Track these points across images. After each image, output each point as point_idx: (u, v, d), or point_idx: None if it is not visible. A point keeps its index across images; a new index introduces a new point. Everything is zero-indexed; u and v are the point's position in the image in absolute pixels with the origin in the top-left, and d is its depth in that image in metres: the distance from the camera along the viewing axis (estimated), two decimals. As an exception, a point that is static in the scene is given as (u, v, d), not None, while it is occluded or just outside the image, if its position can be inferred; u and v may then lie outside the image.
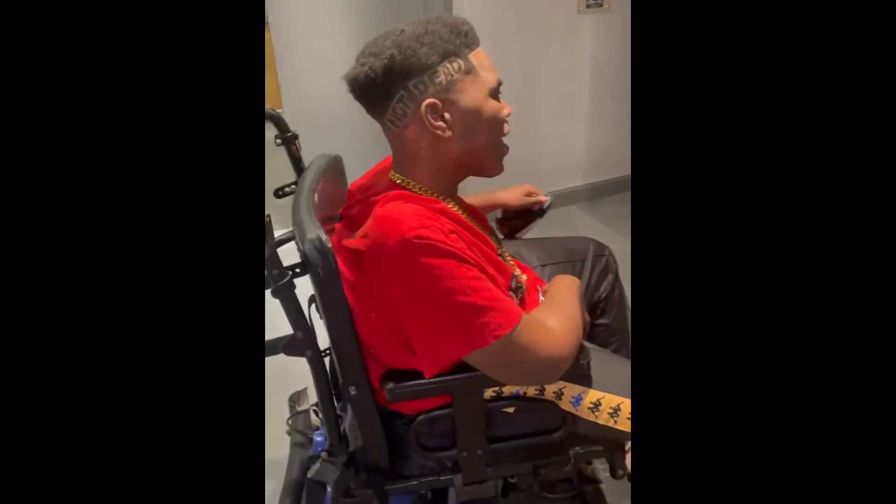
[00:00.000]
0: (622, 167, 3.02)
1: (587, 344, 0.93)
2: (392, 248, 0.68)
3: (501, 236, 1.22)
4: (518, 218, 1.21)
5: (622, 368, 0.90)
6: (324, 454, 0.85)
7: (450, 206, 0.82)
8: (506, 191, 1.21)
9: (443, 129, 0.76)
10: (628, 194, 3.34)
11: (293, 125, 1.03)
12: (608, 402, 0.83)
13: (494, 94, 0.79)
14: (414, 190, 0.81)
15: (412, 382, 0.77)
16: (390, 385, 0.78)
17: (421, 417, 0.83)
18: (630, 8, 2.37)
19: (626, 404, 0.83)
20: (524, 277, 0.95)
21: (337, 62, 2.43)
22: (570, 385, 0.85)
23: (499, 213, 1.23)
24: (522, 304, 0.88)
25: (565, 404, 0.84)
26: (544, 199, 1.20)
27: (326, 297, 0.72)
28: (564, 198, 2.86)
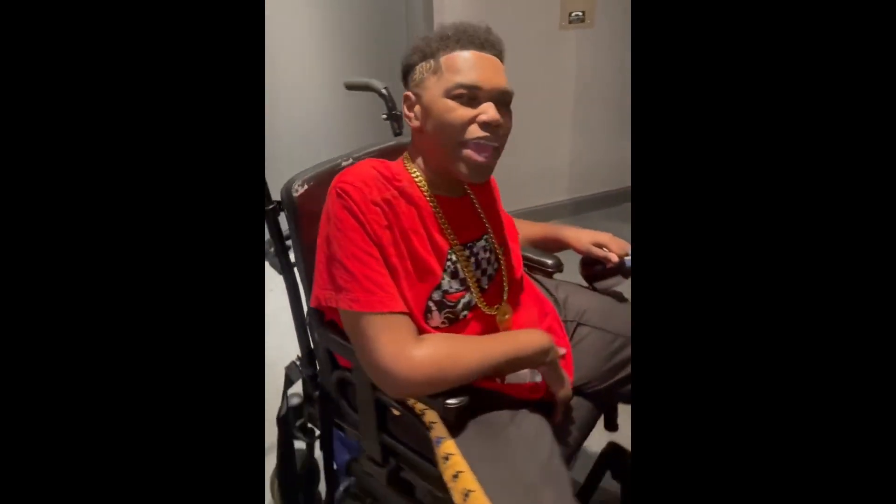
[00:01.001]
0: (606, 182, 3.02)
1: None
2: (327, 194, 0.80)
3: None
4: (593, 265, 1.10)
5: (525, 465, 0.75)
6: (296, 358, 1.07)
7: (425, 194, 0.85)
8: (573, 230, 1.13)
9: (409, 118, 0.87)
10: (612, 210, 2.92)
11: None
12: (453, 466, 0.75)
13: (451, 94, 0.80)
14: (409, 168, 0.88)
15: (327, 332, 0.89)
16: (319, 329, 0.92)
17: (336, 372, 0.95)
18: (613, 23, 2.26)
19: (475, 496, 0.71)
20: (505, 315, 0.89)
21: (319, 70, 2.48)
22: (440, 423, 0.81)
23: None
24: (462, 325, 0.86)
25: (433, 438, 0.81)
26: (614, 258, 1.05)
27: (291, 233, 0.94)
28: (548, 213, 2.88)
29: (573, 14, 2.61)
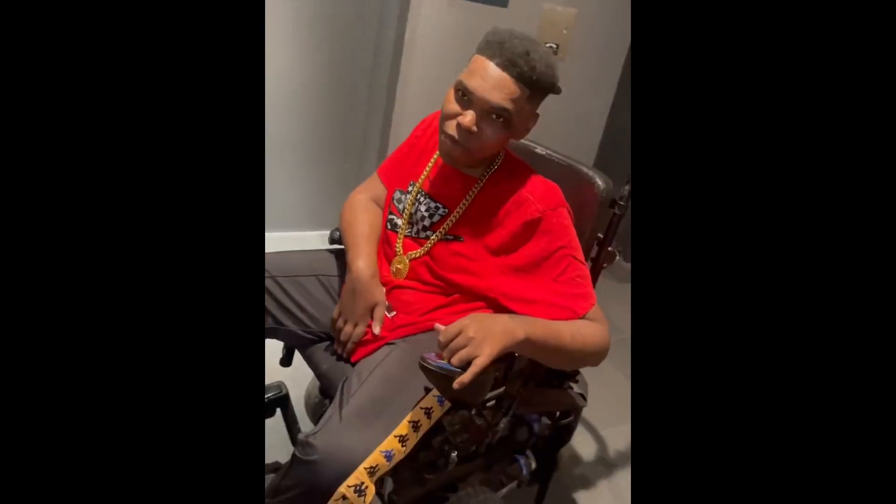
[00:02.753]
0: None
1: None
2: None
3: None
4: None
5: None
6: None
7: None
8: (510, 316, 0.93)
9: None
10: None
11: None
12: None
13: (456, 89, 0.92)
14: None
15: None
16: None
17: None
18: (584, 62, 2.33)
19: None
20: (397, 265, 1.07)
21: (290, 73, 2.30)
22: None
23: None
24: (385, 232, 1.13)
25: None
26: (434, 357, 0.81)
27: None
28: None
29: (548, 44, 2.61)
